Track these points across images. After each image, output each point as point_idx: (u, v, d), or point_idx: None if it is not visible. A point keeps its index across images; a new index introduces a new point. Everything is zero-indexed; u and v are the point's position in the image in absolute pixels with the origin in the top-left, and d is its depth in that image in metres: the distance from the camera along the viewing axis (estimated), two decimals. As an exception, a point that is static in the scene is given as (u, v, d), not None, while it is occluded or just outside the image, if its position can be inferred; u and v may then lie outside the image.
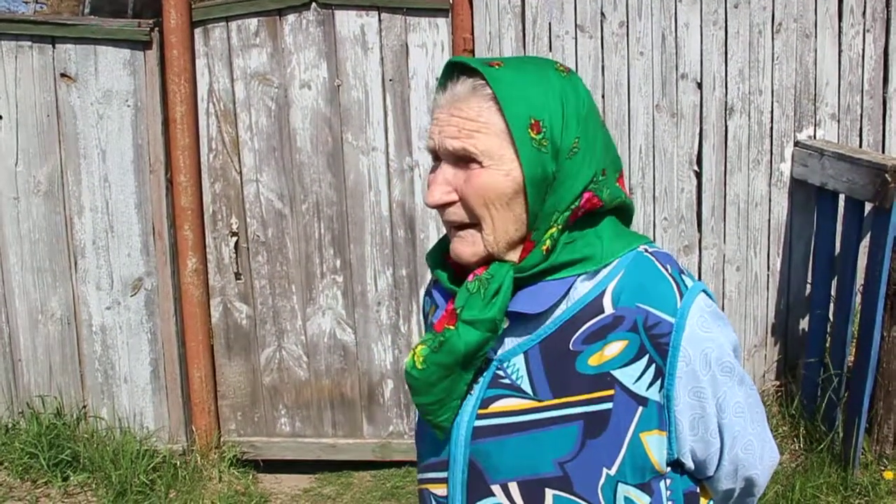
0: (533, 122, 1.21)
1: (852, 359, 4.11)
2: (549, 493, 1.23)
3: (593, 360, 1.23)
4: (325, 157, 4.32)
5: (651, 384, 1.23)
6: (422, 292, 4.30)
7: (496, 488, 1.26)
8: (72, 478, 4.15)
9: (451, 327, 1.23)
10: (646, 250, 1.30)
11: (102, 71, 4.18)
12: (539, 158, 1.21)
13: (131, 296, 4.35)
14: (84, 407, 4.42)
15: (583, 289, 1.27)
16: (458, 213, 1.26)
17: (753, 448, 1.34)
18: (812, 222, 4.42)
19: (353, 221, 4.37)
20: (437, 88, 1.30)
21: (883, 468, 3.99)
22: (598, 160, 1.26)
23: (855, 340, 4.11)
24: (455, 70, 1.27)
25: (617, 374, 1.23)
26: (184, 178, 4.24)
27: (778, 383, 4.56)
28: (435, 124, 1.26)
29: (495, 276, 1.24)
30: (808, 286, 4.48)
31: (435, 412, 1.28)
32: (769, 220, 4.44)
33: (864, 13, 4.30)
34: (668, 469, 1.28)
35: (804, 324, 4.52)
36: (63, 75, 4.19)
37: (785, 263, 4.48)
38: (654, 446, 1.24)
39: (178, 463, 4.29)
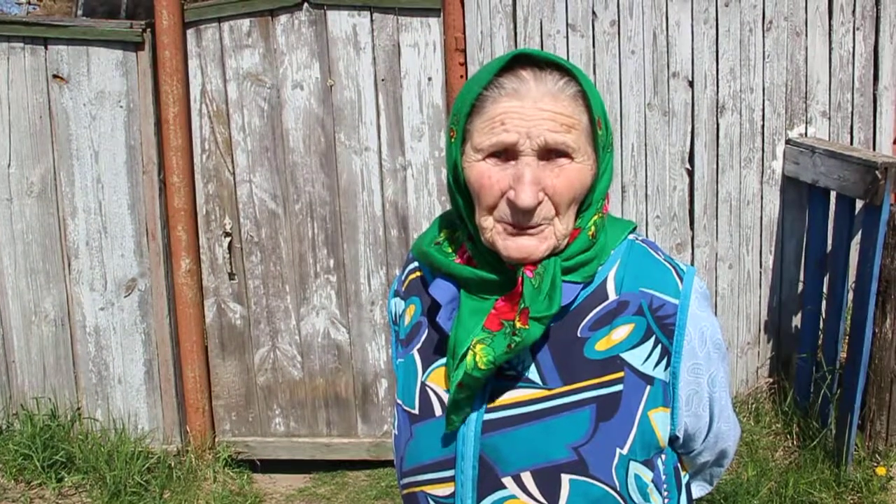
0: (597, 119, 1.26)
1: (845, 355, 4.13)
2: (566, 479, 1.25)
3: (601, 345, 1.28)
4: (317, 157, 4.33)
5: (658, 363, 1.29)
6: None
7: (507, 480, 1.27)
8: (66, 479, 4.15)
9: (526, 326, 1.23)
10: (636, 239, 1.37)
11: (95, 72, 4.18)
12: (603, 153, 1.28)
13: (125, 296, 4.35)
14: (78, 408, 4.42)
15: None
16: (545, 209, 1.24)
17: (731, 421, 1.44)
18: (804, 219, 4.44)
19: (347, 221, 4.37)
20: (494, 79, 1.24)
21: (876, 464, 4.01)
22: None
23: (847, 337, 4.12)
24: (516, 63, 1.24)
25: (626, 356, 1.28)
26: (177, 179, 4.24)
27: (771, 380, 4.58)
28: (516, 117, 1.21)
29: (547, 270, 1.25)
30: (801, 283, 4.50)
31: (467, 410, 1.29)
32: (761, 218, 4.45)
33: (853, 11, 4.32)
34: (667, 445, 1.34)
35: (797, 320, 4.53)
36: (55, 76, 4.19)
37: (777, 260, 4.50)
38: (660, 423, 1.30)
39: (173, 463, 4.30)
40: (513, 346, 1.22)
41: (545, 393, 1.27)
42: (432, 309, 1.37)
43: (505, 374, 1.29)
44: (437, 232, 1.41)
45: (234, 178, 4.37)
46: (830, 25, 4.33)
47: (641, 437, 1.28)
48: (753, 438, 4.35)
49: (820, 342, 4.30)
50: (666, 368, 1.30)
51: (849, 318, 4.08)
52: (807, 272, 4.43)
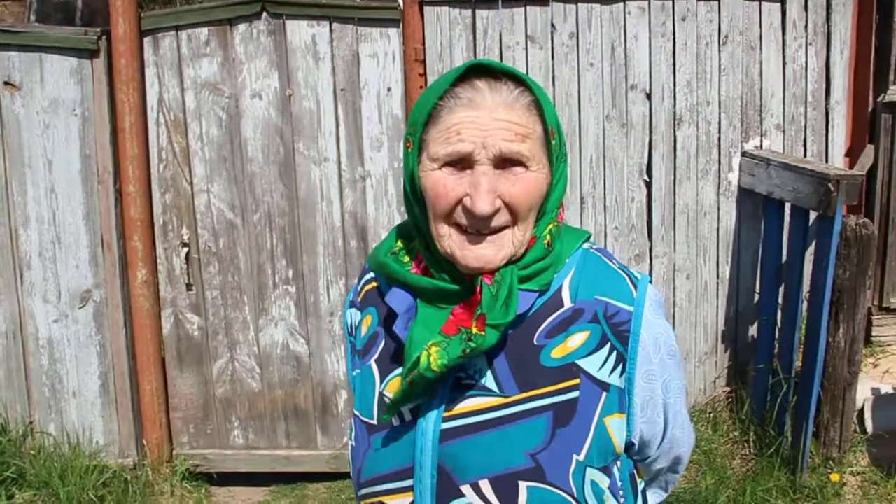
0: (551, 129, 1.28)
1: (800, 364, 4.19)
2: (523, 486, 1.26)
3: (557, 353, 1.29)
4: (276, 167, 4.30)
5: (613, 370, 1.30)
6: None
7: (466, 488, 1.28)
8: (17, 495, 4.05)
9: (482, 333, 1.24)
10: (590, 248, 1.40)
11: (48, 79, 4.11)
12: (555, 161, 1.30)
13: (79, 308, 4.27)
14: (31, 422, 4.33)
15: None
16: (502, 218, 1.26)
17: (686, 428, 1.46)
18: (759, 230, 4.50)
19: (306, 232, 4.34)
20: (450, 90, 1.25)
21: (830, 471, 4.07)
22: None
23: (802, 346, 4.19)
24: (471, 74, 1.26)
25: (581, 363, 1.29)
26: (133, 189, 4.18)
27: (728, 389, 4.63)
28: (471, 127, 1.23)
29: (505, 278, 1.27)
30: (757, 293, 4.56)
31: (400, 407, 1.31)
32: (718, 229, 4.51)
33: (805, 26, 4.41)
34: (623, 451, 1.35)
35: (753, 330, 4.59)
36: (7, 83, 4.11)
37: (734, 271, 4.56)
38: (616, 429, 1.31)
39: (129, 478, 4.22)
40: (467, 351, 1.23)
41: (502, 401, 1.28)
42: (389, 318, 1.37)
43: (462, 383, 1.30)
44: (393, 242, 1.41)
45: (192, 188, 4.32)
46: (784, 40, 4.41)
47: (598, 443, 1.29)
48: (711, 447, 4.39)
49: (776, 351, 4.36)
50: (621, 375, 1.31)
51: (804, 327, 4.15)
52: (763, 282, 4.50)
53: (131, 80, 4.12)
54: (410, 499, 1.31)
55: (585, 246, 1.39)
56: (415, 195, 1.32)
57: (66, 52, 4.09)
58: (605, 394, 1.30)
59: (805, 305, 4.18)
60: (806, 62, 4.44)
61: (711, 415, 4.56)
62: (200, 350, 4.44)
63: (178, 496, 4.22)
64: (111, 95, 4.14)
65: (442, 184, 1.25)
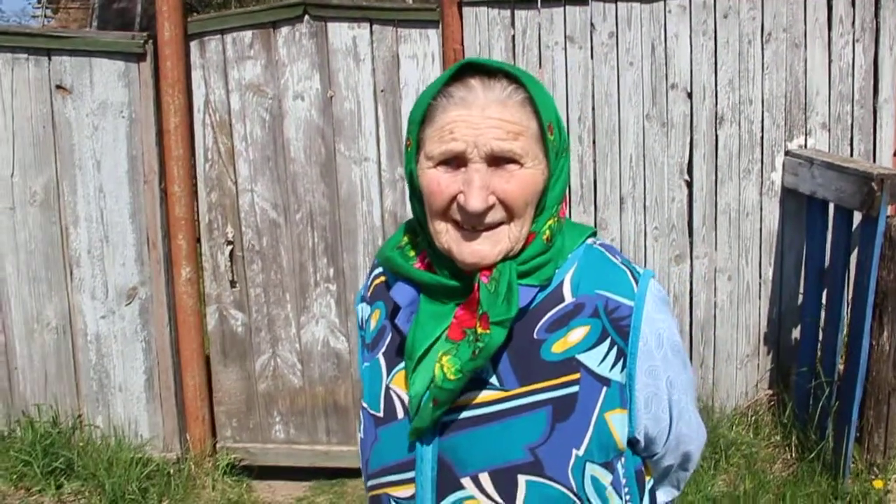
0: (548, 124, 1.29)
1: (843, 367, 4.11)
2: (522, 479, 1.27)
3: (557, 347, 1.30)
4: (318, 167, 4.36)
5: (613, 365, 1.30)
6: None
7: (466, 481, 1.29)
8: (65, 486, 4.18)
9: (487, 331, 1.25)
10: (594, 243, 1.40)
11: (98, 83, 4.23)
12: (554, 158, 1.30)
13: (126, 305, 4.39)
14: (79, 415, 4.46)
15: None
16: (496, 215, 1.27)
17: (693, 424, 1.45)
18: (803, 231, 4.42)
19: (346, 231, 4.40)
20: (444, 89, 1.28)
21: (873, 477, 3.98)
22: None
23: (845, 349, 4.11)
24: (467, 72, 1.28)
25: (581, 357, 1.29)
26: (177, 189, 4.28)
27: (770, 392, 4.56)
28: (463, 126, 1.25)
29: (503, 274, 1.28)
30: (800, 295, 4.48)
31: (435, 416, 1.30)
32: (760, 229, 4.45)
33: (853, 23, 4.32)
34: (626, 447, 1.35)
35: (796, 333, 4.52)
36: (59, 87, 4.24)
37: (777, 272, 4.49)
38: (618, 425, 1.31)
39: (172, 471, 4.33)
40: (477, 352, 1.25)
41: (502, 394, 1.29)
42: (394, 312, 1.40)
43: None
44: (400, 237, 1.44)
45: (237, 188, 4.41)
46: (830, 37, 4.33)
47: (598, 438, 1.29)
48: (752, 451, 4.33)
49: (819, 354, 4.28)
50: (622, 370, 1.31)
51: (847, 330, 4.07)
52: (806, 284, 4.42)
53: (177, 82, 4.22)
54: (413, 490, 1.33)
55: (589, 241, 1.40)
56: (415, 193, 1.35)
57: (115, 55, 4.20)
58: (605, 389, 1.30)
59: (848, 308, 4.10)
60: (853, 59, 4.35)
61: (753, 418, 4.50)
62: (244, 346, 4.53)
63: (219, 490, 4.31)
64: (157, 98, 4.24)
65: (436, 182, 1.27)
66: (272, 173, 4.38)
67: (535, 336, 1.31)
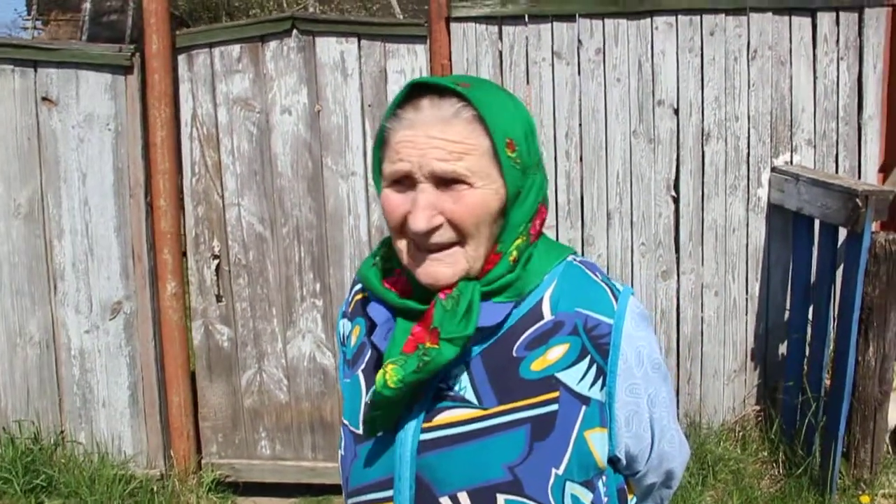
0: (508, 141, 1.26)
1: (829, 383, 4.12)
2: (501, 499, 1.26)
3: (536, 365, 1.28)
4: (305, 182, 4.35)
5: (593, 384, 1.29)
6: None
7: (444, 500, 1.28)
8: (46, 503, 4.12)
9: (436, 346, 1.24)
10: (574, 260, 1.38)
11: (84, 95, 4.21)
12: (515, 175, 1.28)
13: (110, 319, 4.35)
14: (62, 431, 4.41)
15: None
16: (445, 235, 1.26)
17: (675, 442, 1.44)
18: (789, 247, 4.44)
19: (333, 245, 4.38)
20: (395, 110, 1.29)
21: (860, 492, 3.99)
22: (545, 175, 1.36)
23: (831, 364, 4.12)
24: (415, 92, 1.28)
25: (561, 376, 1.28)
26: (163, 202, 4.26)
27: (758, 408, 4.57)
28: (409, 146, 1.25)
29: (464, 293, 1.27)
30: (787, 310, 4.50)
31: (383, 426, 1.31)
32: (747, 245, 4.46)
33: (837, 41, 4.36)
34: (607, 466, 1.34)
35: (783, 348, 4.53)
36: (44, 99, 4.22)
37: (763, 288, 4.50)
38: (597, 443, 1.30)
39: (156, 488, 4.27)
40: (422, 365, 1.24)
41: (481, 413, 1.28)
42: (372, 329, 1.39)
43: (442, 394, 1.30)
44: (379, 252, 1.43)
45: (224, 202, 4.39)
46: (815, 55, 4.37)
47: (578, 457, 1.28)
48: (740, 466, 4.33)
49: (805, 370, 4.29)
50: (602, 388, 1.30)
51: (833, 345, 4.08)
52: (793, 300, 4.43)
53: (163, 95, 4.21)
54: None
55: (570, 258, 1.38)
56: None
57: (101, 68, 4.19)
58: (584, 407, 1.28)
59: (834, 323, 4.12)
60: (837, 77, 4.39)
61: (741, 434, 4.50)
62: (230, 361, 4.49)
63: (203, 507, 4.26)
64: (144, 111, 4.22)
65: (388, 201, 1.28)
66: (259, 187, 4.37)
67: (514, 354, 1.29)
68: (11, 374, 4.40)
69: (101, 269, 4.32)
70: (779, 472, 4.28)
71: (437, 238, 1.25)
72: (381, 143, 1.32)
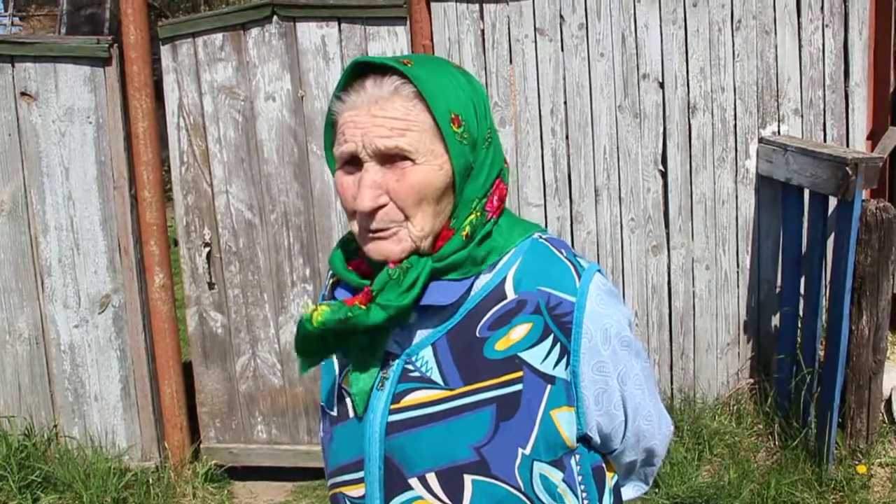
0: (453, 116, 1.25)
1: (823, 354, 4.10)
2: (468, 479, 1.26)
3: (500, 345, 1.27)
4: (291, 168, 4.32)
5: (557, 362, 1.28)
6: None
7: (414, 481, 1.28)
8: (42, 499, 4.12)
9: (363, 307, 1.24)
10: (540, 237, 1.36)
11: (63, 88, 4.17)
12: (462, 150, 1.26)
13: (99, 313, 4.33)
14: (55, 427, 4.40)
15: (484, 278, 1.32)
16: (389, 214, 1.25)
17: (653, 418, 1.42)
18: (779, 218, 4.42)
19: (321, 230, 4.36)
20: (339, 91, 1.28)
21: (857, 462, 3.98)
22: (501, 150, 1.35)
23: (824, 335, 4.10)
24: (358, 71, 1.27)
25: (524, 355, 1.27)
26: (148, 194, 4.23)
27: (752, 381, 4.55)
28: (352, 126, 1.24)
29: (414, 267, 1.26)
30: (779, 282, 4.47)
31: (307, 360, 1.33)
32: (737, 218, 4.44)
33: (822, 8, 4.31)
34: (578, 444, 1.33)
35: (776, 320, 4.51)
36: (23, 94, 4.18)
37: (754, 260, 4.48)
38: (564, 422, 1.28)
39: (151, 480, 4.27)
40: (344, 319, 1.24)
41: (447, 394, 1.27)
42: None
43: (409, 375, 1.30)
44: (348, 234, 1.41)
45: (212, 190, 4.37)
46: (799, 23, 4.32)
47: (544, 436, 1.27)
48: (735, 440, 4.32)
49: (799, 341, 4.27)
50: (566, 367, 1.28)
51: (826, 315, 4.06)
52: (784, 271, 4.41)
53: (144, 86, 4.17)
54: (363, 490, 1.32)
55: (536, 236, 1.36)
56: None
57: (79, 60, 4.14)
58: (550, 386, 1.27)
59: (827, 293, 4.09)
60: (823, 44, 4.35)
61: (735, 407, 4.49)
62: (224, 347, 4.49)
63: (200, 498, 4.26)
64: (124, 102, 4.19)
65: (340, 183, 1.28)
66: (246, 174, 4.34)
67: (477, 334, 1.28)
68: (2, 372, 4.38)
69: (88, 263, 4.30)
70: (774, 444, 4.27)
71: (383, 217, 1.24)
72: (330, 126, 1.32)
